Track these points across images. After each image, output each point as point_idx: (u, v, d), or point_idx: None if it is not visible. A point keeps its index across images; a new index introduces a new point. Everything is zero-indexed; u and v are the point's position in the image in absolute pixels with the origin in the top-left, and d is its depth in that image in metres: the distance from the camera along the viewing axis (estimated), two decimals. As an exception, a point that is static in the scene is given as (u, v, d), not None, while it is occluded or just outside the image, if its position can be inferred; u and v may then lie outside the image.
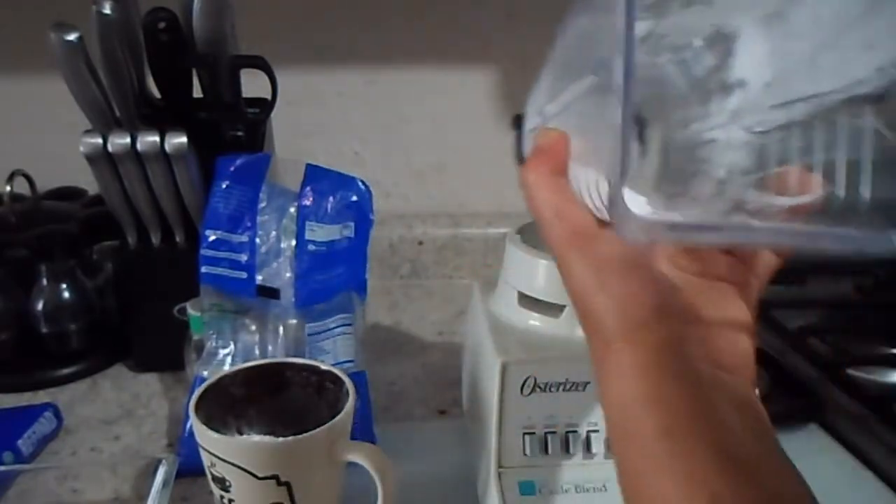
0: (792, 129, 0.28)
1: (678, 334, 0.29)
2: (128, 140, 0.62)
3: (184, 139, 0.63)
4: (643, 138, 0.31)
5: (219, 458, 0.42)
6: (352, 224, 0.62)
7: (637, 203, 0.23)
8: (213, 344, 0.58)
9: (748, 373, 0.31)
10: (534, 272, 0.49)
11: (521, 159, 0.43)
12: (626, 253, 0.30)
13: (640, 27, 0.25)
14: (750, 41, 0.28)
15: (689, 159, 0.30)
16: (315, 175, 0.62)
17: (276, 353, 0.58)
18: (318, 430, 0.42)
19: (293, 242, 0.60)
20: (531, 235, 0.51)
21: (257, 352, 0.59)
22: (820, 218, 0.27)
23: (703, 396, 0.28)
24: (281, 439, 0.43)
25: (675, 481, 0.26)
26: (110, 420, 0.65)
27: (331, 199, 0.62)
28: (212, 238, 0.59)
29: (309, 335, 0.59)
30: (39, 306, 0.71)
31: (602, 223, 0.30)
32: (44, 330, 0.71)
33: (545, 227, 0.31)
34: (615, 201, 0.23)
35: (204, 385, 0.46)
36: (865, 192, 0.26)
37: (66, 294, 0.71)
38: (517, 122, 0.41)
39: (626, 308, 0.29)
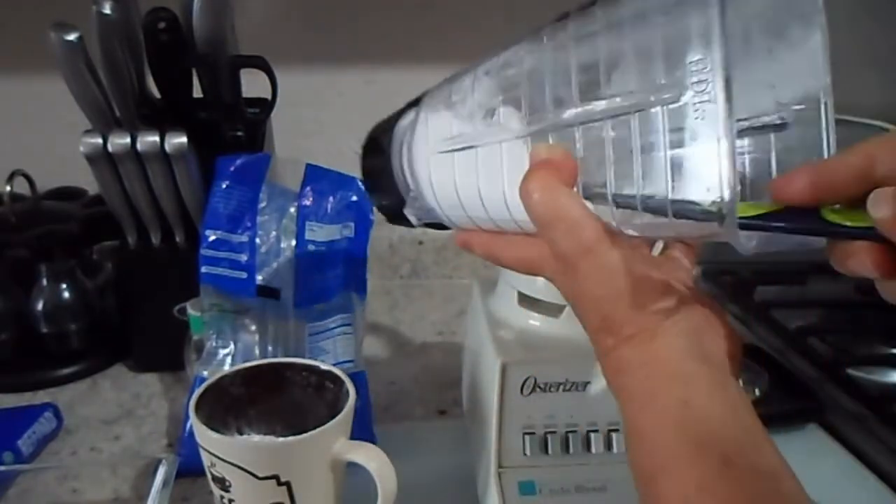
0: None
1: (696, 322, 0.31)
2: (128, 140, 0.62)
3: (184, 139, 0.63)
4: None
5: (219, 458, 0.42)
6: (352, 224, 0.62)
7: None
8: (213, 344, 0.58)
9: (739, 359, 0.33)
10: (534, 272, 0.49)
11: (373, 185, 0.40)
12: (632, 255, 0.31)
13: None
14: None
15: None
16: (315, 175, 0.62)
17: (276, 353, 0.58)
18: (318, 430, 0.42)
19: (293, 242, 0.60)
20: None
21: (257, 352, 0.59)
22: None
23: (716, 376, 0.30)
24: (281, 439, 0.43)
25: (689, 446, 0.28)
26: (110, 420, 0.65)
27: (331, 199, 0.62)
28: (212, 238, 0.59)
29: (309, 335, 0.59)
30: (39, 306, 0.71)
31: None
32: (44, 330, 0.71)
33: (565, 229, 0.30)
34: (728, 214, 0.24)
35: (204, 385, 0.46)
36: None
37: (66, 294, 0.71)
38: (385, 130, 0.39)
39: (653, 305, 0.31)
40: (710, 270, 0.90)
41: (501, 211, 0.33)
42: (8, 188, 0.71)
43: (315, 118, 0.94)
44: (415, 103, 0.38)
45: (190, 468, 0.49)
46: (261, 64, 0.68)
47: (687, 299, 0.32)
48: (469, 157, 0.33)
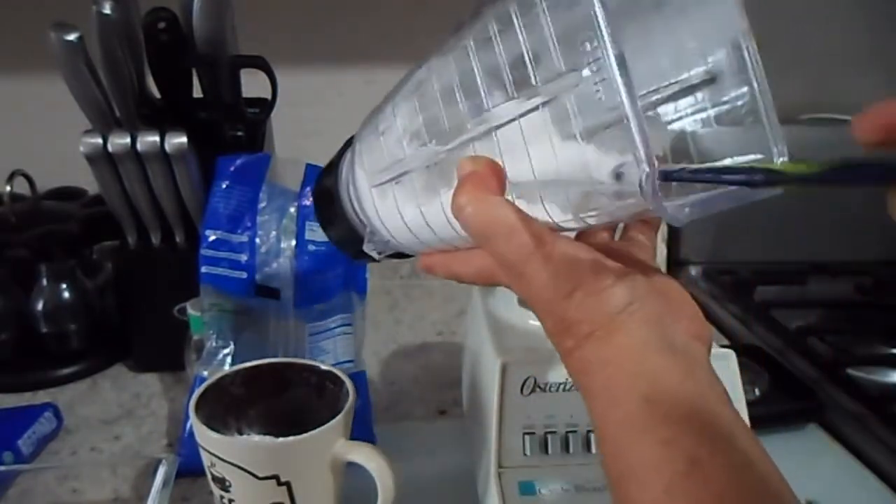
0: None
1: (656, 309, 0.30)
2: (128, 140, 0.62)
3: (184, 139, 0.63)
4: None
5: (219, 458, 0.42)
6: (352, 224, 0.62)
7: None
8: (213, 344, 0.58)
9: (708, 339, 0.32)
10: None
11: (329, 228, 0.40)
12: (577, 250, 0.30)
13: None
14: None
15: None
16: (315, 175, 0.62)
17: (276, 353, 0.58)
18: (318, 430, 0.42)
19: (293, 242, 0.60)
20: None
21: (257, 352, 0.58)
22: None
23: (680, 366, 0.29)
24: (281, 439, 0.43)
25: (654, 447, 0.27)
26: (110, 420, 0.65)
27: (331, 199, 0.62)
28: (212, 238, 0.59)
29: (309, 335, 0.59)
30: (39, 306, 0.71)
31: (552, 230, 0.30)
32: (44, 330, 0.71)
33: (502, 238, 0.29)
34: (652, 190, 0.24)
35: (204, 385, 0.46)
36: None
37: (66, 294, 0.71)
38: (329, 173, 0.39)
39: (606, 298, 0.29)
40: (710, 270, 0.90)
41: (447, 230, 0.32)
42: (8, 188, 0.71)
43: (315, 118, 0.94)
44: (350, 141, 0.38)
45: (190, 468, 0.49)
46: (261, 64, 0.68)
47: (644, 285, 0.30)
48: (406, 184, 0.33)
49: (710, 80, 0.30)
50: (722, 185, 0.25)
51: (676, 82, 0.31)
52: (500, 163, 0.29)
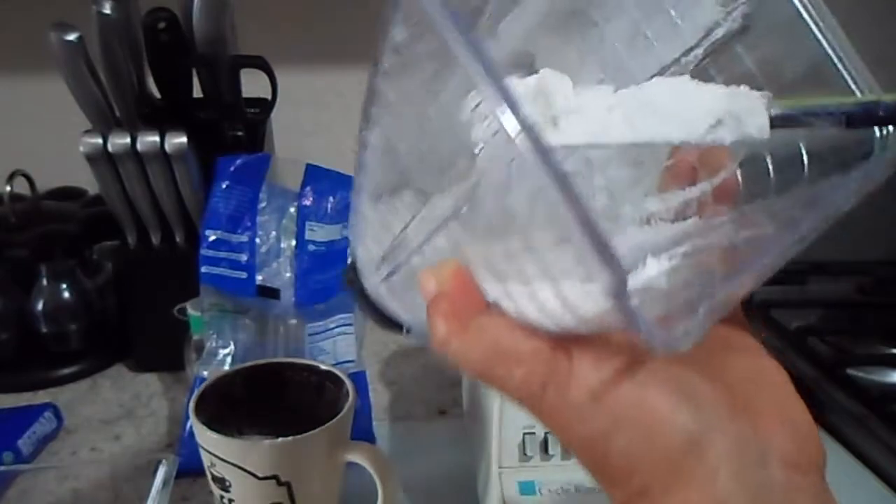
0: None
1: (736, 436, 0.21)
2: (128, 140, 0.62)
3: (184, 139, 0.63)
4: None
5: (219, 458, 0.42)
6: (352, 224, 0.62)
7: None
8: (213, 344, 0.58)
9: (817, 460, 0.23)
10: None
11: (379, 318, 0.34)
12: (605, 365, 0.22)
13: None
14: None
15: None
16: (315, 175, 0.62)
17: (276, 353, 0.58)
18: (318, 430, 0.42)
19: (293, 242, 0.60)
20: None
21: (257, 352, 0.59)
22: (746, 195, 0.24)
23: None
24: (281, 439, 0.43)
25: None
26: (110, 420, 0.65)
27: (331, 199, 0.62)
28: (212, 238, 0.59)
29: (309, 335, 0.60)
30: (39, 306, 0.71)
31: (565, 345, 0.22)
32: (44, 330, 0.71)
33: (509, 367, 0.22)
34: (629, 310, 0.18)
35: (204, 385, 0.46)
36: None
37: (66, 294, 0.71)
38: (351, 273, 0.33)
39: (659, 434, 0.21)
40: (710, 270, 0.90)
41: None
42: (8, 188, 0.71)
43: (315, 118, 0.94)
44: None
45: (190, 468, 0.49)
46: (261, 64, 0.68)
47: (713, 397, 0.22)
48: (404, 283, 0.28)
49: (745, 28, 0.25)
50: (829, 122, 0.21)
51: (699, 45, 0.25)
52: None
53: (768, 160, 0.25)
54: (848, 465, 0.58)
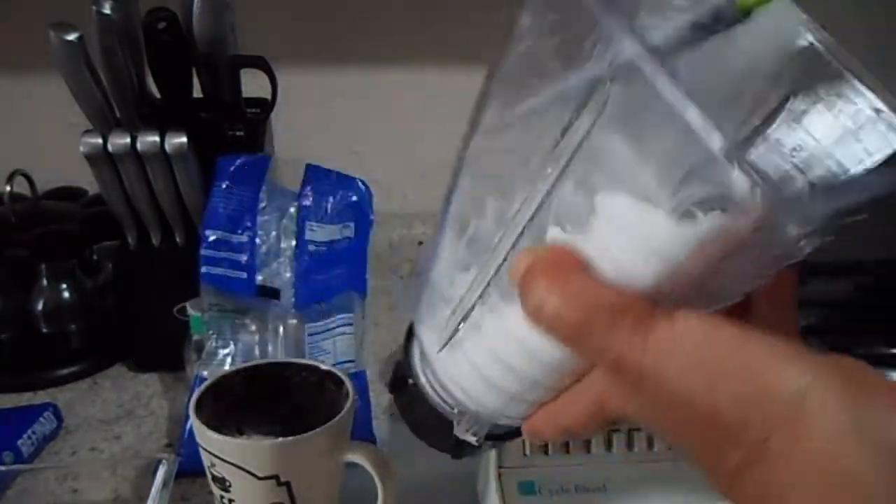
0: None
1: (844, 382, 0.20)
2: (128, 140, 0.62)
3: (184, 139, 0.63)
4: None
5: (219, 458, 0.42)
6: (352, 224, 0.62)
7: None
8: (213, 344, 0.58)
9: None
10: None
11: (417, 425, 0.34)
12: (713, 319, 0.22)
13: None
14: None
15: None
16: (315, 175, 0.62)
17: (276, 353, 0.58)
18: (318, 430, 0.42)
19: (293, 242, 0.60)
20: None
21: (257, 352, 0.59)
22: None
23: None
24: (281, 439, 0.43)
25: None
26: (110, 420, 0.65)
27: (331, 199, 0.62)
28: (212, 238, 0.59)
29: (309, 335, 0.59)
30: (39, 306, 0.71)
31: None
32: (44, 330, 0.71)
33: (612, 318, 0.22)
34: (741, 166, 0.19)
35: (204, 385, 0.46)
36: None
37: (66, 294, 0.71)
38: (400, 363, 0.34)
39: (775, 379, 0.20)
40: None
41: (529, 362, 0.27)
42: (8, 188, 0.71)
43: (315, 118, 0.94)
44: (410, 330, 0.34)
45: (190, 468, 0.49)
46: (261, 64, 0.68)
47: (812, 355, 0.21)
48: (468, 329, 0.28)
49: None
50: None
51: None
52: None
53: None
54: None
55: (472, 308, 0.27)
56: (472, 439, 0.33)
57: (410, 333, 0.33)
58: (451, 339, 0.29)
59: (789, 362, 0.20)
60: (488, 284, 0.27)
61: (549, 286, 0.22)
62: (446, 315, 0.29)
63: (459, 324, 0.28)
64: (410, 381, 0.33)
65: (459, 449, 0.34)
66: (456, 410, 0.32)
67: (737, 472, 0.21)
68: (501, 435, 0.33)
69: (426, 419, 0.33)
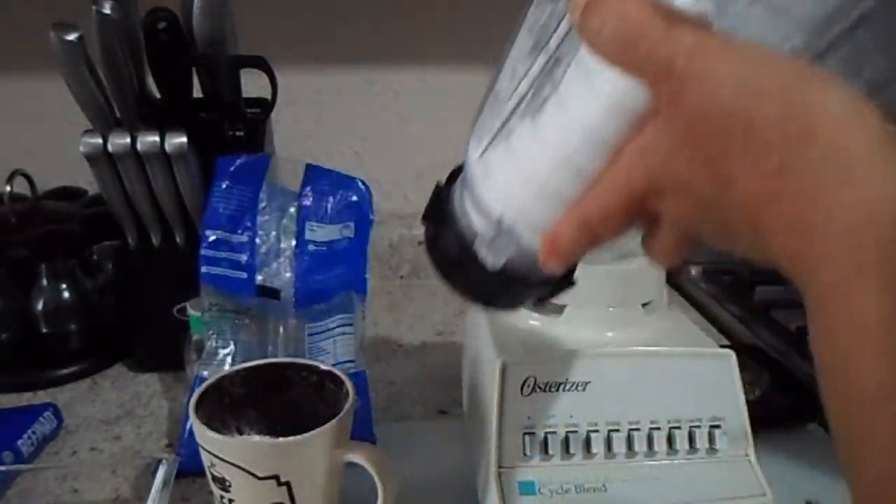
0: None
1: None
2: (128, 140, 0.62)
3: (184, 139, 0.63)
4: None
5: (219, 458, 0.42)
6: (352, 224, 0.62)
7: None
8: (213, 344, 0.58)
9: None
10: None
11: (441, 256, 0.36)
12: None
13: None
14: None
15: None
16: (315, 175, 0.62)
17: (276, 353, 0.58)
18: (318, 430, 0.42)
19: (293, 242, 0.60)
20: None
21: (257, 352, 0.59)
22: None
23: None
24: (281, 439, 0.43)
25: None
26: (110, 420, 0.65)
27: (331, 199, 0.62)
28: (212, 238, 0.59)
29: (309, 335, 0.59)
30: (39, 306, 0.71)
31: None
32: (44, 330, 0.71)
33: (660, 31, 0.23)
34: None
35: (204, 385, 0.46)
36: None
37: (66, 294, 0.71)
38: (452, 179, 0.35)
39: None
40: (710, 270, 0.90)
41: (581, 141, 0.28)
42: (8, 188, 0.71)
43: (315, 118, 0.94)
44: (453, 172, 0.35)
45: (190, 468, 0.49)
46: (261, 64, 0.68)
47: None
48: (523, 129, 0.30)
49: None
50: None
51: None
52: None
53: None
54: (848, 465, 0.58)
55: (531, 88, 0.29)
56: (490, 260, 0.33)
57: (453, 174, 0.35)
58: (505, 124, 0.30)
59: (834, 83, 0.21)
60: (549, 60, 0.28)
61: (607, 8, 0.24)
62: (504, 109, 0.30)
63: (517, 105, 0.30)
64: (445, 204, 0.34)
65: (480, 287, 0.35)
66: (481, 232, 0.33)
67: (778, 171, 0.21)
68: (520, 283, 0.34)
69: (451, 249, 0.35)
